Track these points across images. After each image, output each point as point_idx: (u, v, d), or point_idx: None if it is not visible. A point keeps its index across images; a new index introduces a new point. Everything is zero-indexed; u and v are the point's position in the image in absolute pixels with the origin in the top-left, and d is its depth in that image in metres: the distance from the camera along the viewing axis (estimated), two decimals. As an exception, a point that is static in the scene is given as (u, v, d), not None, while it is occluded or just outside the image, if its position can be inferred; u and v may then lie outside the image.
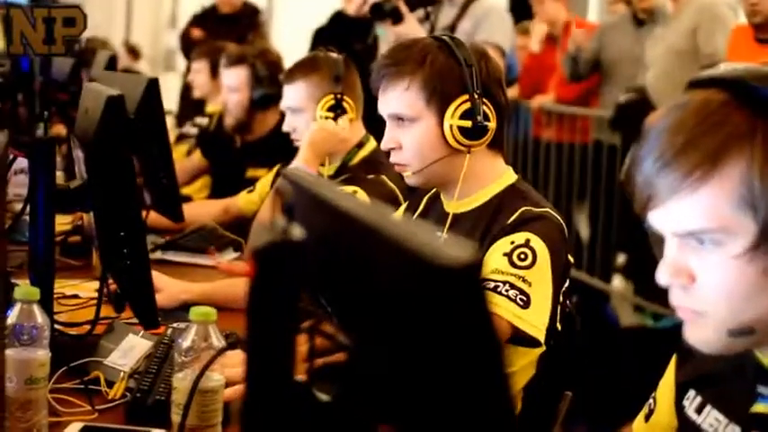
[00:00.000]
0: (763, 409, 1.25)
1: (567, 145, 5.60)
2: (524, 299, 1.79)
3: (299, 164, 2.62)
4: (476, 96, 1.89)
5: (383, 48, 3.58)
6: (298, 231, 0.96)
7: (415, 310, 0.80)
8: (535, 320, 1.79)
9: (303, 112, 2.84)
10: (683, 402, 1.40)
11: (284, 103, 2.93)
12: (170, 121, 6.34)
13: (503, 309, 1.77)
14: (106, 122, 1.68)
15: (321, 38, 5.19)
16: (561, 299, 1.89)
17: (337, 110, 2.74)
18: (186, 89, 6.08)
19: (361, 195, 2.50)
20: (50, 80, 4.13)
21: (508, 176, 1.99)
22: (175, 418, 1.50)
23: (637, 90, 4.78)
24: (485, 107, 1.90)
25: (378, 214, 0.88)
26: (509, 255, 1.81)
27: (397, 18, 3.39)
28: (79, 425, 1.60)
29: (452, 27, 3.66)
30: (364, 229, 0.90)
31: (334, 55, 2.87)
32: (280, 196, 1.03)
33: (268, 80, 3.65)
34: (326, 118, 2.73)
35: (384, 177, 2.58)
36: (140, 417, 1.63)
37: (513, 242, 1.83)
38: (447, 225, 1.97)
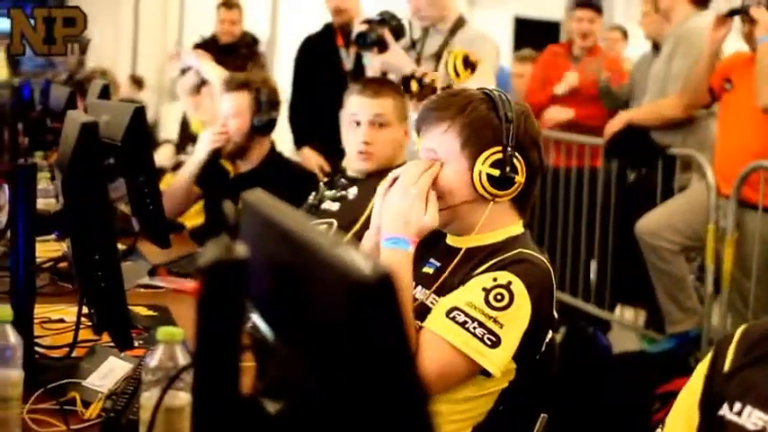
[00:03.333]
0: None
1: (574, 170, 5.43)
2: (493, 339, 1.84)
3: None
4: (509, 149, 1.94)
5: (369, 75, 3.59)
6: (242, 249, 0.99)
7: (338, 324, 0.83)
8: (497, 359, 1.85)
9: (390, 127, 3.02)
10: (719, 413, 1.43)
11: (373, 112, 3.03)
12: (171, 150, 6.39)
13: (466, 345, 1.83)
14: (80, 148, 1.72)
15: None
16: (543, 348, 1.95)
17: None
18: (185, 118, 6.14)
19: None
20: (48, 109, 4.19)
21: (515, 228, 2.02)
22: (144, 436, 1.53)
23: None
24: (516, 161, 1.95)
25: (312, 232, 0.92)
26: (487, 292, 1.86)
27: (382, 46, 3.42)
28: (53, 444, 1.63)
29: (439, 54, 3.68)
30: (298, 246, 0.94)
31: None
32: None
33: (268, 106, 3.69)
34: None
35: None
36: (114, 436, 1.67)
37: (495, 279, 1.88)
38: (444, 256, 2.03)
